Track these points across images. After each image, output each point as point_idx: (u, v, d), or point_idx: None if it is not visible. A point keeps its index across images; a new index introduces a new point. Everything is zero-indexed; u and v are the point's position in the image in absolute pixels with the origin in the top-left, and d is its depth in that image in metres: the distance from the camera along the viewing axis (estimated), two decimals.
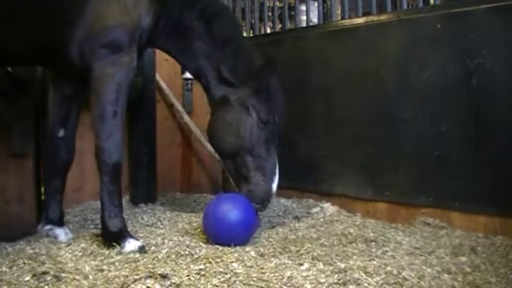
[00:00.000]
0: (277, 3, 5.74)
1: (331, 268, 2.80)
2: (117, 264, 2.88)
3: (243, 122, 3.78)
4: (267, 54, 4.94)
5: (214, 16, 3.82)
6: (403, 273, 2.71)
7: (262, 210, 3.82)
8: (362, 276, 2.66)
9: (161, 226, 3.92)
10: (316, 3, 5.30)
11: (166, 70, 5.27)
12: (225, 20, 3.92)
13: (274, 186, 3.85)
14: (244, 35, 5.77)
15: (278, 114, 3.91)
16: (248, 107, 3.79)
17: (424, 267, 2.82)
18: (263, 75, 3.79)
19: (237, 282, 2.58)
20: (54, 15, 3.14)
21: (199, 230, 3.60)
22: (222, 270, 2.74)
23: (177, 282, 2.56)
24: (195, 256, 2.99)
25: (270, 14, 6.03)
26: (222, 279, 2.60)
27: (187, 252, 3.08)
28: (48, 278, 2.70)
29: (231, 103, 3.80)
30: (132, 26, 3.30)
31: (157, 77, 5.11)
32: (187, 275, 2.65)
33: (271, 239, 3.52)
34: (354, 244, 3.32)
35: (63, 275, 2.72)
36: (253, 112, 3.79)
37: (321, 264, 2.88)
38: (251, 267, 2.83)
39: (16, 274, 2.77)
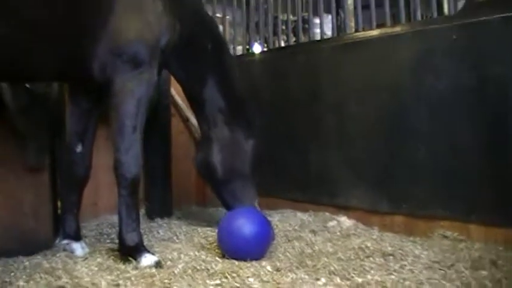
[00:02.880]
0: (291, 16, 5.74)
1: (348, 283, 2.79)
2: (133, 279, 2.88)
3: (243, 149, 4.14)
4: (282, 67, 4.98)
5: (223, 46, 4.14)
6: None
7: None
8: None
9: (177, 240, 3.91)
10: (329, 16, 5.30)
11: None
12: (229, 52, 4.31)
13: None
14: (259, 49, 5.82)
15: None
16: (245, 136, 4.12)
17: (443, 282, 2.78)
18: (252, 117, 4.18)
19: None
20: (77, 31, 3.16)
21: (215, 244, 3.59)
22: (238, 285, 2.74)
23: None
24: (211, 271, 2.98)
25: (283, 27, 6.04)
26: None
27: (203, 267, 3.06)
28: None
29: (230, 132, 4.09)
30: (154, 42, 3.34)
31: (172, 91, 5.12)
32: None
33: (288, 254, 3.49)
34: (371, 258, 3.28)
35: None
36: (248, 141, 4.14)
37: (338, 279, 2.86)
38: (267, 282, 2.82)
39: None
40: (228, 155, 4.07)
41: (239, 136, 4.11)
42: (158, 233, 4.16)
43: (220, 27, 5.96)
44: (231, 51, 5.68)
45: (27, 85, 3.63)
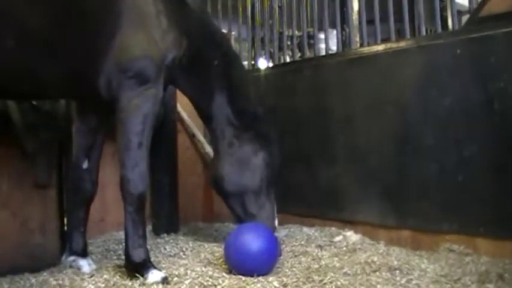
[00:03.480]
0: (296, 32, 5.78)
1: None
2: None
3: (253, 162, 4.03)
4: (287, 82, 5.00)
5: (233, 60, 4.07)
6: None
7: None
8: None
9: (184, 256, 3.91)
10: (334, 31, 5.34)
11: (187, 101, 5.29)
12: (240, 66, 4.24)
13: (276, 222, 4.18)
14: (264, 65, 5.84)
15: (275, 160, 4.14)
16: (256, 150, 4.03)
17: None
18: (265, 123, 4.09)
19: None
20: (83, 47, 3.18)
21: (221, 260, 3.59)
22: None
23: None
24: (218, 287, 2.98)
25: (289, 43, 6.07)
26: None
27: (210, 283, 3.06)
28: None
29: (239, 145, 4.02)
30: (159, 58, 3.36)
31: (179, 107, 5.15)
32: None
33: (294, 269, 3.49)
34: (377, 273, 3.27)
35: None
36: (259, 154, 4.04)
37: None
38: None
39: None
40: (236, 167, 4.01)
41: (249, 149, 4.04)
42: (165, 249, 4.15)
43: None
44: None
45: (34, 102, 3.67)
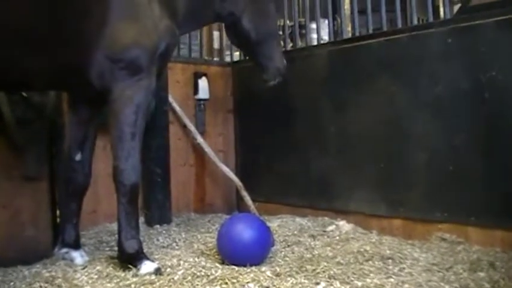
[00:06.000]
0: (288, 22, 5.76)
1: (348, 287, 2.80)
2: (133, 286, 2.89)
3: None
4: None
5: None
6: None
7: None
8: None
9: (176, 247, 3.92)
10: (326, 21, 5.32)
11: (179, 91, 5.30)
12: None
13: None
14: None
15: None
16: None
17: (442, 284, 2.81)
18: None
19: None
20: (74, 37, 3.14)
21: (214, 250, 3.59)
22: None
23: None
24: (211, 277, 2.98)
25: (280, 33, 6.04)
26: None
27: (203, 273, 3.07)
28: None
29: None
30: (152, 48, 3.31)
31: (170, 98, 5.13)
32: None
33: (287, 258, 3.50)
34: (370, 262, 3.29)
35: None
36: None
37: (337, 282, 2.87)
38: (267, 287, 2.82)
39: None
40: (257, 18, 4.12)
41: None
42: (158, 240, 4.16)
43: (217, 34, 5.99)
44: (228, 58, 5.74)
45: (24, 94, 3.64)
